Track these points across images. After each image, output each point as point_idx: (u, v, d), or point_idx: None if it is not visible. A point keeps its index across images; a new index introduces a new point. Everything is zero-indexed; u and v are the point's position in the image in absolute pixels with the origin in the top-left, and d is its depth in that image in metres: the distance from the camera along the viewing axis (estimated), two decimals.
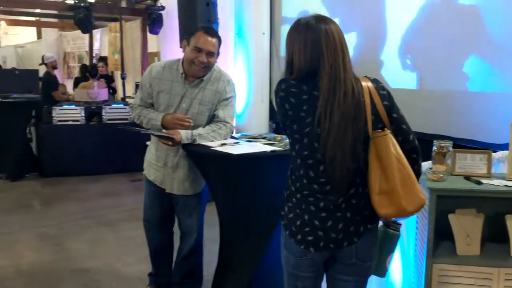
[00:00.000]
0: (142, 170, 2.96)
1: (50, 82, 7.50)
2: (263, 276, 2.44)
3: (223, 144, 2.51)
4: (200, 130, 2.60)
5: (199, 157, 2.54)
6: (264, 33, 5.58)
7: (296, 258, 1.71)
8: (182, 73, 2.64)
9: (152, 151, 2.81)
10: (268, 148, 2.41)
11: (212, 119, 2.69)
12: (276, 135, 2.85)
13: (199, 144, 2.54)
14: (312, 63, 1.61)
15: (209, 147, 2.47)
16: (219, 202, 2.62)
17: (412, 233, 2.27)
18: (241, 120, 5.45)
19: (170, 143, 2.52)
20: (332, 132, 1.56)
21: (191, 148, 2.54)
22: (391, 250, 1.80)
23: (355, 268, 1.71)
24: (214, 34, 2.62)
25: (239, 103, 5.31)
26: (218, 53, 2.65)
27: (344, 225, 1.64)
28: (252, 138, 2.78)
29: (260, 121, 5.53)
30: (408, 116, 1.72)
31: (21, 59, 14.04)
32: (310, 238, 1.66)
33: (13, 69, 10.48)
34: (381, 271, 1.81)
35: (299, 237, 1.67)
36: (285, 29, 5.02)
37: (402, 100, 1.84)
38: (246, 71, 5.59)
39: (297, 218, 1.67)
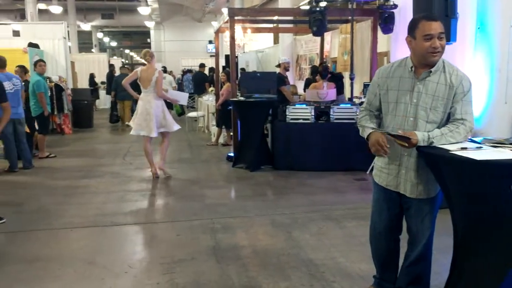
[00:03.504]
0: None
1: (279, 79, 8.15)
2: None
3: (463, 148, 2.33)
4: (436, 132, 2.50)
5: (435, 160, 2.41)
6: None
7: None
8: (411, 67, 2.61)
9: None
10: None
11: (448, 117, 2.56)
12: None
13: (435, 147, 2.42)
14: None
15: (447, 150, 2.32)
16: (455, 210, 2.44)
17: None
18: (479, 123, 4.94)
19: (406, 144, 2.48)
20: None
21: (427, 151, 2.44)
22: None
23: None
24: (436, 17, 2.58)
25: (478, 104, 4.83)
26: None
27: None
28: (497, 143, 2.50)
29: (502, 124, 4.92)
30: None
31: (260, 62, 15.64)
32: None
33: (254, 72, 11.79)
34: None
35: None
36: None
37: None
38: (487, 68, 5.04)
39: None
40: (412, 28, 2.56)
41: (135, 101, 13.21)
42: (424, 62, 2.56)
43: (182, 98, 8.19)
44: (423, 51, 2.52)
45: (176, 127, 6.85)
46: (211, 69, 16.04)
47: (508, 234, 2.14)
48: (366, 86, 8.12)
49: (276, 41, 16.44)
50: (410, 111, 2.59)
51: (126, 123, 12.40)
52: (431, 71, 2.56)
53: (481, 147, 2.37)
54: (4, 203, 5.40)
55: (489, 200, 2.18)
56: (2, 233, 4.56)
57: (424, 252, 2.76)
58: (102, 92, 18.56)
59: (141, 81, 6.63)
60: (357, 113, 6.73)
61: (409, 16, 5.40)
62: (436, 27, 2.50)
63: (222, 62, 13.89)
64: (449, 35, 4.73)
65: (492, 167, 2.07)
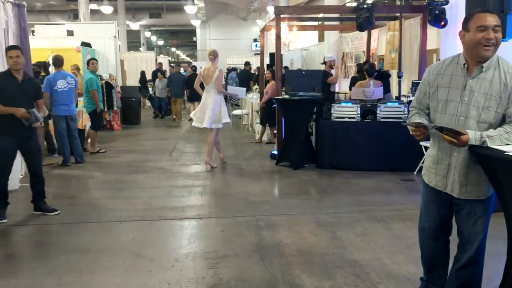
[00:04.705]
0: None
1: (324, 76, 8.15)
2: None
3: None
4: (490, 132, 2.40)
5: (489, 161, 2.32)
6: None
7: None
8: (464, 64, 2.52)
9: (433, 153, 2.71)
10: None
11: (503, 118, 2.45)
12: None
13: (489, 147, 2.33)
14: None
15: (502, 151, 2.23)
16: (510, 214, 2.34)
17: None
18: None
19: (455, 140, 2.39)
20: None
21: (479, 151, 2.35)
22: None
23: None
24: (493, 12, 2.46)
25: None
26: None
27: None
28: None
29: None
30: None
31: (305, 60, 15.55)
32: None
33: (299, 70, 11.74)
34: None
35: None
36: None
37: None
38: None
39: None
40: (466, 21, 2.49)
41: (186, 99, 14.92)
42: (476, 55, 2.45)
43: (240, 92, 8.97)
44: (476, 42, 2.42)
45: (226, 120, 7.25)
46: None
47: None
48: (414, 84, 7.92)
49: (321, 38, 16.29)
50: (461, 109, 2.50)
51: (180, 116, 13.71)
52: (483, 67, 2.46)
53: None
54: (58, 195, 5.65)
55: None
56: (57, 224, 4.78)
57: (475, 257, 2.66)
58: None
59: (204, 78, 7.24)
60: (405, 112, 6.61)
61: (462, 12, 5.24)
62: (492, 19, 2.41)
63: (266, 60, 13.92)
64: (504, 31, 4.55)
65: None
